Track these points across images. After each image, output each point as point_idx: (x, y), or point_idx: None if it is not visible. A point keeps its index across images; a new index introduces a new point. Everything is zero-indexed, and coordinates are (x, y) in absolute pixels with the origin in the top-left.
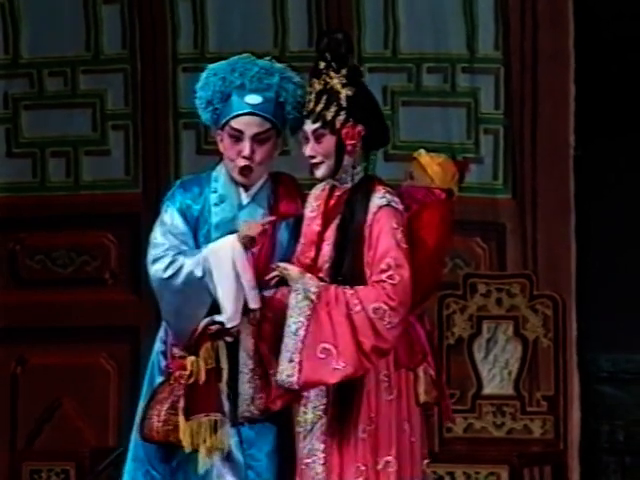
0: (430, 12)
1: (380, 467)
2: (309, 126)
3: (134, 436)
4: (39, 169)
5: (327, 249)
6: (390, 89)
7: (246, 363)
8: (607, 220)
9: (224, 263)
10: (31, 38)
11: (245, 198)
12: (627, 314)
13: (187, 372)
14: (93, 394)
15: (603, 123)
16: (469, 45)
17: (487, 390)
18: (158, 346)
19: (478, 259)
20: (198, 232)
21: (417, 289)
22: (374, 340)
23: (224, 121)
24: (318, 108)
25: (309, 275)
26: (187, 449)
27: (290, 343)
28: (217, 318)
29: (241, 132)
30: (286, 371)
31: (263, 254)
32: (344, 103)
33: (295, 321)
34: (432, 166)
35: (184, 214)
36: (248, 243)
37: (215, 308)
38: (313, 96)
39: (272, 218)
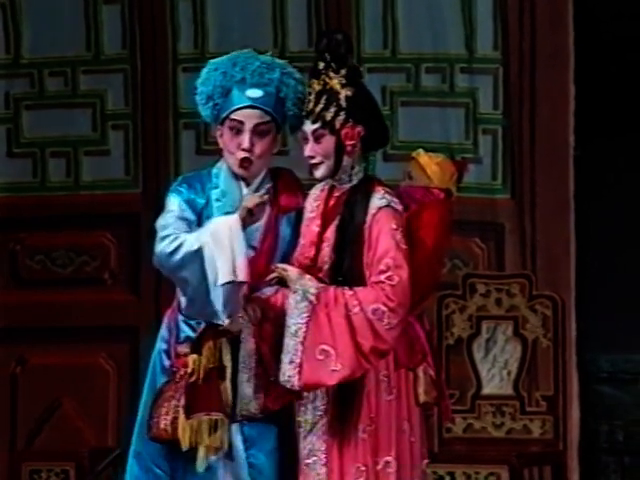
0: (429, 12)
1: (380, 467)
2: (308, 126)
3: (135, 434)
4: (39, 169)
5: (327, 250)
6: (389, 89)
7: (246, 362)
8: (606, 220)
9: (222, 239)
10: (32, 38)
11: (246, 193)
12: (626, 314)
13: (189, 370)
14: (93, 394)
15: (602, 123)
16: (468, 45)
17: (486, 390)
18: (160, 345)
19: (477, 259)
20: (201, 225)
21: (416, 289)
22: (373, 341)
23: (224, 115)
24: (318, 108)
25: (308, 276)
26: (184, 447)
27: (291, 344)
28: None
29: (241, 123)
30: (287, 372)
31: (266, 247)
32: (344, 103)
33: (294, 322)
34: (431, 166)
35: (190, 205)
36: (246, 216)
37: None
38: (313, 96)
39: (268, 189)
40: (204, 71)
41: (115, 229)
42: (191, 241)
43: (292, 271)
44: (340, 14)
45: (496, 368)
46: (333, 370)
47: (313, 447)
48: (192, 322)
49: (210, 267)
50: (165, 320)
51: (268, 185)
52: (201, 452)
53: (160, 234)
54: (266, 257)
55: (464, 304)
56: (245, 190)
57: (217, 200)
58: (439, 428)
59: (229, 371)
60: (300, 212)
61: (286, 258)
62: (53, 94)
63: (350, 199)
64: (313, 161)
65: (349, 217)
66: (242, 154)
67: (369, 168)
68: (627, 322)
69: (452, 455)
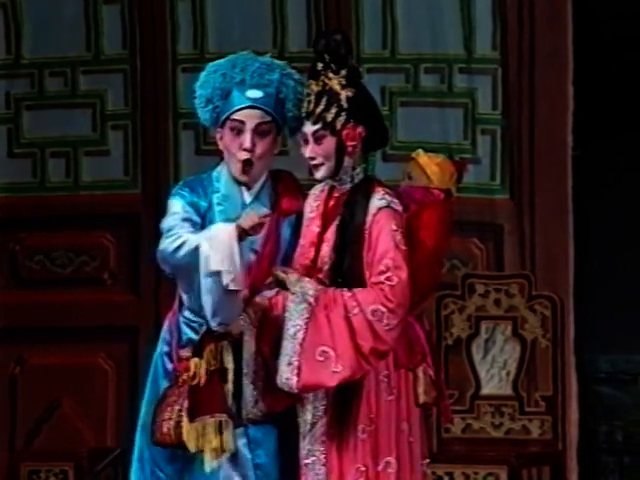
0: (428, 13)
1: (380, 468)
2: (309, 127)
3: (139, 437)
4: (39, 169)
5: (326, 250)
6: (388, 89)
7: (249, 365)
8: (606, 220)
9: (219, 243)
10: (32, 38)
11: (248, 197)
12: (626, 314)
13: (191, 373)
14: (92, 394)
15: (602, 123)
16: (466, 45)
17: (485, 390)
18: (162, 347)
19: (475, 260)
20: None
21: (416, 289)
22: (372, 342)
23: (225, 117)
24: (318, 109)
25: (307, 279)
26: (192, 451)
27: (289, 346)
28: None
29: (242, 123)
30: (285, 374)
31: (268, 251)
32: (344, 104)
33: (293, 324)
34: (430, 166)
35: (194, 208)
36: (242, 234)
37: None
38: (312, 97)
39: (268, 212)
40: (203, 74)
41: (115, 229)
42: (192, 240)
43: (291, 274)
44: (339, 14)
45: (495, 368)
46: (334, 371)
47: (312, 447)
48: (194, 324)
49: (203, 265)
50: (166, 322)
51: (269, 189)
52: (208, 455)
53: (165, 234)
54: (268, 261)
55: (463, 304)
56: (246, 194)
57: (219, 204)
58: (438, 428)
59: (231, 373)
60: (301, 214)
61: (287, 260)
62: (53, 94)
63: (350, 200)
64: (314, 162)
65: (349, 217)
66: (244, 154)
67: (369, 168)
68: (626, 322)
69: (451, 455)
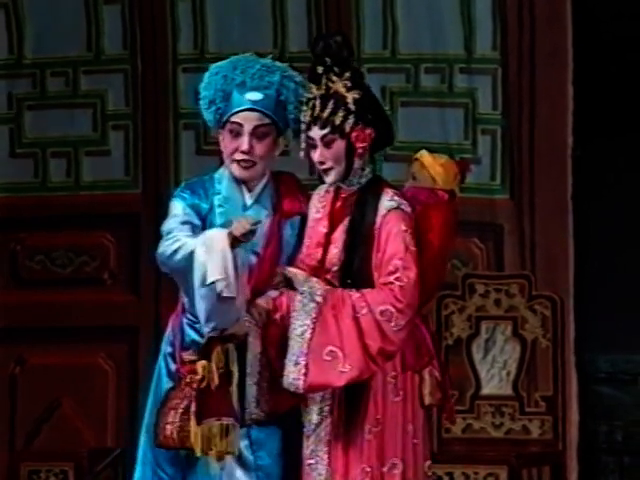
0: (428, 13)
1: (385, 469)
2: (317, 132)
3: (142, 439)
4: (40, 169)
5: (335, 251)
6: (388, 89)
7: (253, 366)
8: (606, 220)
9: (215, 247)
10: (34, 38)
11: (249, 199)
12: (626, 315)
13: (199, 376)
14: (92, 394)
15: (602, 123)
16: (467, 45)
17: (486, 390)
18: (165, 348)
19: (476, 260)
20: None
21: (422, 290)
22: (381, 342)
23: (225, 118)
24: (325, 114)
25: (315, 279)
26: (198, 453)
27: (295, 346)
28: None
29: (240, 126)
30: (292, 374)
31: (269, 253)
32: (352, 107)
33: (301, 324)
34: (435, 167)
35: (195, 210)
36: (234, 241)
37: None
38: (317, 101)
39: (259, 219)
40: (206, 75)
41: (115, 229)
42: (188, 245)
43: (299, 273)
44: (340, 14)
45: (495, 368)
46: (341, 371)
47: (316, 448)
48: (197, 325)
49: (198, 272)
50: (170, 323)
51: (271, 191)
52: (213, 457)
53: (164, 237)
54: (270, 263)
55: (463, 304)
56: (247, 196)
57: (220, 206)
58: (438, 428)
59: (236, 376)
60: (304, 216)
61: (290, 262)
62: (54, 94)
63: (359, 200)
64: (324, 167)
65: (359, 218)
66: (240, 156)
67: (377, 168)
68: (626, 322)
69: (451, 455)
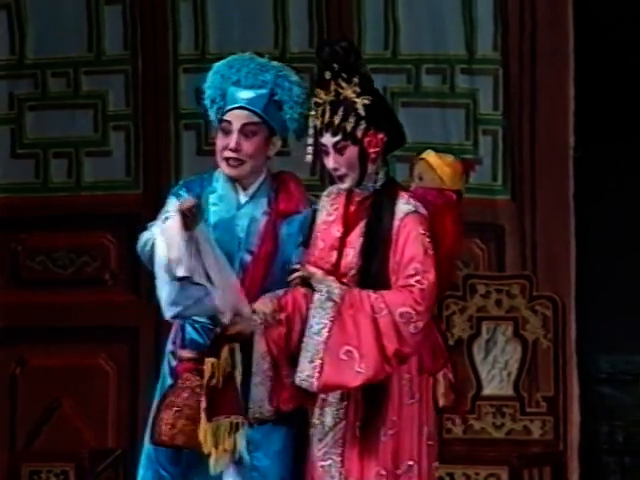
0: (429, 13)
1: (401, 471)
2: (329, 139)
3: (147, 434)
4: (41, 170)
5: (352, 255)
6: (390, 90)
7: (258, 365)
8: (607, 222)
9: (168, 233)
10: (36, 39)
11: (243, 197)
12: (626, 315)
13: (208, 374)
14: (92, 395)
15: (603, 126)
16: (468, 46)
17: (487, 391)
18: (168, 346)
19: (477, 260)
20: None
21: None
22: (397, 344)
23: (219, 117)
24: (336, 120)
25: (332, 277)
26: (207, 451)
27: (311, 344)
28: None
29: (230, 123)
30: (306, 372)
31: (264, 252)
32: (362, 112)
33: (318, 322)
34: (443, 167)
35: None
36: (186, 221)
37: None
38: (327, 108)
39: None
40: (209, 74)
41: (116, 230)
42: (151, 234)
43: (317, 272)
44: (341, 15)
45: (496, 369)
46: (357, 372)
47: (330, 450)
48: (197, 325)
49: (157, 258)
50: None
51: (268, 190)
52: (219, 455)
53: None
54: (264, 262)
55: (464, 305)
56: (242, 195)
57: (214, 204)
58: (440, 429)
59: (239, 374)
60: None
61: (287, 261)
62: (55, 95)
63: (376, 204)
64: (338, 173)
65: (375, 222)
66: (228, 154)
67: (390, 170)
68: (627, 323)
69: (452, 456)
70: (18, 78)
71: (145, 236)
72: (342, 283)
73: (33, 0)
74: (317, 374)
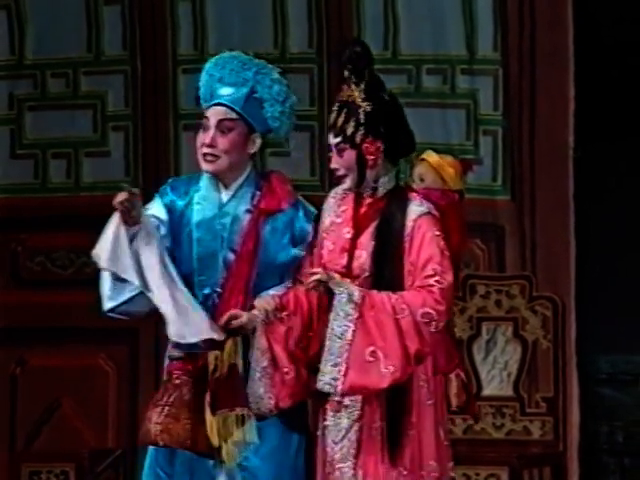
0: (429, 13)
1: (424, 472)
2: (331, 139)
3: None
4: (41, 170)
5: (364, 256)
6: (390, 90)
7: (258, 361)
8: (606, 223)
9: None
10: (35, 39)
11: (225, 196)
12: (626, 316)
13: (211, 367)
14: (92, 395)
15: (603, 127)
16: (468, 46)
17: (486, 391)
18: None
19: (477, 260)
20: (182, 229)
21: None
22: (419, 344)
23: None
24: (339, 122)
25: (349, 280)
26: (215, 444)
27: (335, 347)
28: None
29: (208, 119)
30: (329, 375)
31: (246, 251)
32: (362, 119)
33: (340, 324)
34: (444, 168)
35: (169, 208)
36: (123, 215)
37: None
38: (336, 108)
39: (135, 189)
40: (202, 74)
41: None
42: None
43: (336, 275)
44: (341, 15)
45: (496, 369)
46: (383, 373)
47: (347, 452)
48: None
49: None
50: None
51: (252, 188)
52: (230, 448)
53: None
54: (247, 261)
55: (464, 305)
56: (224, 193)
57: (198, 203)
58: None
59: (240, 368)
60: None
61: (272, 261)
62: (55, 95)
63: (388, 206)
64: (338, 173)
65: (388, 224)
66: (204, 149)
67: (400, 177)
68: (627, 323)
69: (452, 456)
70: (17, 78)
71: None
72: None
73: (33, 0)
74: (342, 377)
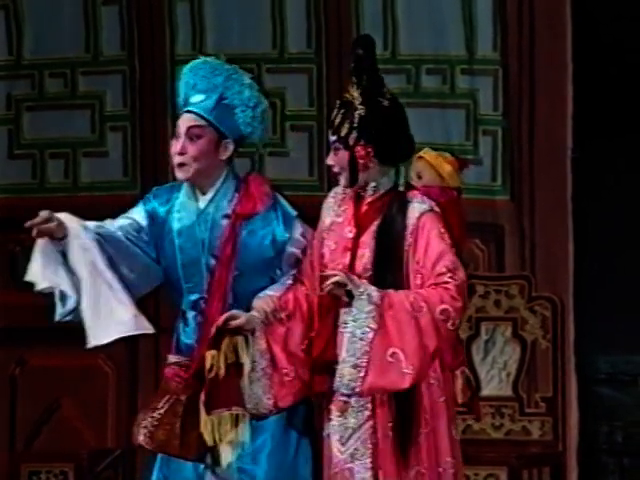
0: (429, 13)
1: (442, 469)
2: (330, 136)
3: None
4: (39, 170)
5: (367, 256)
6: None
7: (257, 361)
8: (605, 221)
9: None
10: (33, 39)
11: (202, 202)
12: (625, 315)
13: (207, 366)
14: (92, 395)
15: (601, 124)
16: (468, 46)
17: (486, 391)
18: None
19: (477, 260)
20: (165, 237)
21: None
22: (437, 342)
23: None
24: (336, 122)
25: (365, 281)
26: (209, 444)
27: (354, 348)
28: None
29: (178, 127)
30: (348, 376)
31: (227, 256)
32: (356, 122)
33: (360, 326)
34: (442, 165)
35: (151, 215)
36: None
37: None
38: (337, 105)
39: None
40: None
41: None
42: None
43: (354, 276)
44: (340, 15)
45: (495, 369)
46: (404, 373)
47: (357, 451)
48: (187, 329)
49: None
50: None
51: (230, 193)
52: (225, 447)
53: None
54: (227, 265)
55: None
56: (201, 199)
57: (178, 211)
58: None
59: (247, 368)
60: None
61: (253, 264)
62: (53, 95)
63: (389, 205)
64: (334, 170)
65: (390, 222)
66: (175, 158)
67: (399, 179)
68: (626, 323)
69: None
70: (15, 79)
71: None
72: None
73: (30, 1)
74: (361, 378)
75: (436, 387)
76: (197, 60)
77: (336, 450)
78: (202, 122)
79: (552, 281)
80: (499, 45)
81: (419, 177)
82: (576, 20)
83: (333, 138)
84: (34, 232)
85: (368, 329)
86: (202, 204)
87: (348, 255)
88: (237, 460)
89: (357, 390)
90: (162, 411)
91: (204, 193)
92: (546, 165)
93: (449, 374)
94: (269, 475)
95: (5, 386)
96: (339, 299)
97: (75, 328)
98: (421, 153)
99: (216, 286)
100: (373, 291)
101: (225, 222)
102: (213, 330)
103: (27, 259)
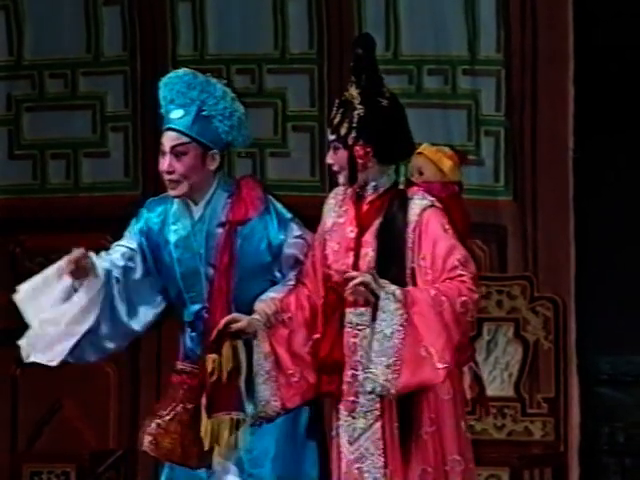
0: (431, 14)
1: (448, 467)
2: (329, 135)
3: None
4: (39, 171)
5: (371, 255)
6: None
7: (262, 365)
8: (606, 219)
9: None
10: (33, 40)
11: (196, 213)
12: (627, 316)
13: (209, 370)
14: (93, 396)
15: (602, 121)
16: (470, 47)
17: (488, 392)
18: None
19: (479, 261)
20: (162, 249)
21: None
22: (460, 335)
23: None
24: (335, 121)
25: (387, 280)
26: (206, 447)
27: (385, 347)
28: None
29: (163, 145)
30: (382, 376)
31: (224, 265)
32: (355, 122)
33: (388, 325)
34: (443, 160)
35: (144, 232)
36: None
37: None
38: (336, 104)
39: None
40: None
41: (114, 231)
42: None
43: (376, 276)
44: (341, 16)
45: (497, 370)
46: (437, 368)
47: (366, 451)
48: (192, 334)
49: None
50: None
51: (223, 200)
52: (219, 451)
53: None
54: (225, 274)
55: None
56: (194, 209)
57: (173, 223)
58: None
59: (244, 371)
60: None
61: (251, 269)
62: (53, 96)
63: (390, 203)
64: (334, 169)
65: (391, 220)
66: (165, 176)
67: (399, 177)
68: (628, 324)
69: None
70: (16, 79)
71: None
72: None
73: (31, 1)
74: (395, 377)
75: (441, 384)
76: (170, 74)
77: (345, 450)
78: (185, 139)
79: (554, 282)
80: (502, 46)
81: (420, 173)
82: (577, 17)
83: (332, 137)
84: (70, 267)
85: (397, 328)
86: (196, 215)
87: (351, 255)
88: (243, 464)
89: (392, 389)
90: (167, 418)
91: (196, 204)
92: (549, 165)
93: (456, 370)
94: (275, 476)
95: (6, 387)
96: (364, 299)
97: None
98: (421, 149)
99: (217, 295)
100: (395, 289)
101: (220, 231)
102: (214, 334)
103: (27, 259)
